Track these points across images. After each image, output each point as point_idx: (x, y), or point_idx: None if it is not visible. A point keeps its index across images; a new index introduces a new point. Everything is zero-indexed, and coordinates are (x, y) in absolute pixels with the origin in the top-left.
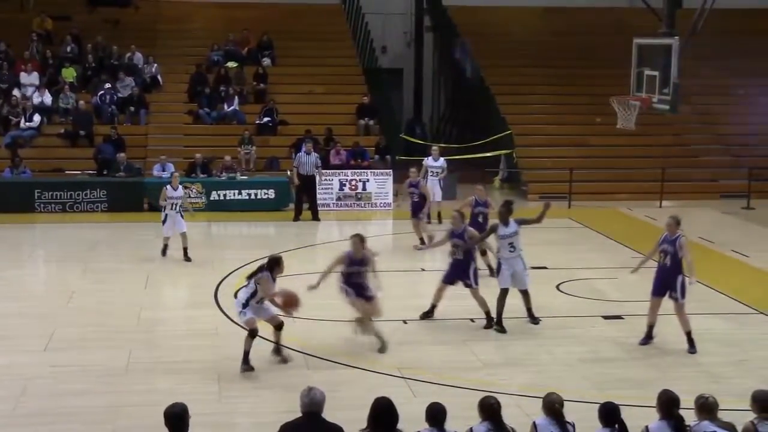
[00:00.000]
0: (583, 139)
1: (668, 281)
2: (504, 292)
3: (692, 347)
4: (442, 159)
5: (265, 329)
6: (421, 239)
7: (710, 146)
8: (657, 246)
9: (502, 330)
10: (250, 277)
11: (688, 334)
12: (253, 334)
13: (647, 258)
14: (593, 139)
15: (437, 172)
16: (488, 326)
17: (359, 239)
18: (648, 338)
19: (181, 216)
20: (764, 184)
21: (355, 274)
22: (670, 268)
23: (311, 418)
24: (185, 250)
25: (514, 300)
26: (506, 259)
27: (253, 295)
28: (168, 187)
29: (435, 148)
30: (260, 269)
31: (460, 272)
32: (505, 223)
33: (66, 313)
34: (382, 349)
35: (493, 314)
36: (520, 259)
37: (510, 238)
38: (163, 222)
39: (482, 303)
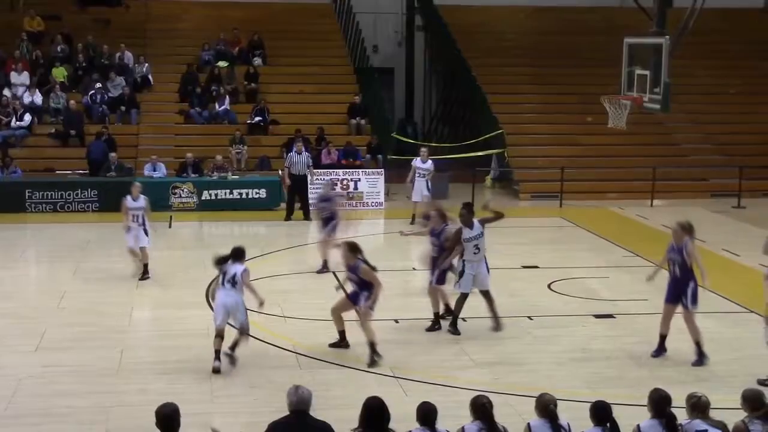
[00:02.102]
0: (574, 138)
1: (680, 289)
2: (464, 297)
3: (699, 359)
4: (430, 161)
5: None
6: (325, 262)
7: (701, 145)
8: (666, 254)
9: (455, 332)
10: (231, 279)
11: (697, 344)
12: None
13: (659, 267)
14: (584, 139)
15: (424, 174)
16: (431, 328)
17: (346, 248)
18: (660, 350)
19: (145, 232)
20: (755, 183)
21: (352, 282)
22: (681, 278)
23: (299, 416)
24: (145, 266)
25: (503, 299)
26: (471, 262)
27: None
28: (127, 197)
29: (424, 149)
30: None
31: (432, 269)
32: (469, 226)
33: (57, 313)
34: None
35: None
36: (484, 262)
37: (475, 240)
38: (127, 231)
39: (435, 303)
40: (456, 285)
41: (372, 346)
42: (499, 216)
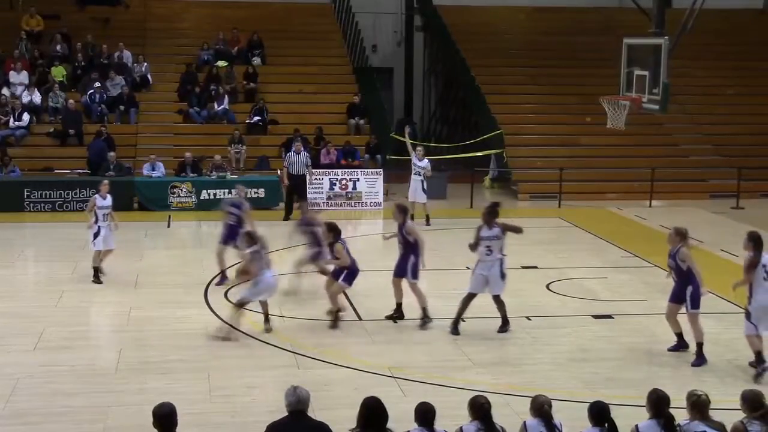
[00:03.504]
0: (573, 138)
1: (681, 293)
2: (470, 296)
3: (698, 360)
4: (426, 160)
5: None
6: (223, 272)
7: (700, 146)
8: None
9: (455, 332)
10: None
11: (699, 346)
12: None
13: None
14: (583, 139)
15: (420, 172)
16: (423, 325)
17: (325, 228)
18: (678, 346)
19: (110, 230)
20: (753, 183)
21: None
22: (679, 282)
23: (297, 417)
24: (97, 270)
25: (508, 299)
26: (483, 262)
27: None
28: (97, 196)
29: (420, 148)
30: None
31: (401, 265)
32: (488, 225)
33: (55, 313)
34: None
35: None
36: (497, 264)
37: (488, 241)
38: (96, 235)
39: (420, 298)
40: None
41: (337, 313)
42: (518, 230)
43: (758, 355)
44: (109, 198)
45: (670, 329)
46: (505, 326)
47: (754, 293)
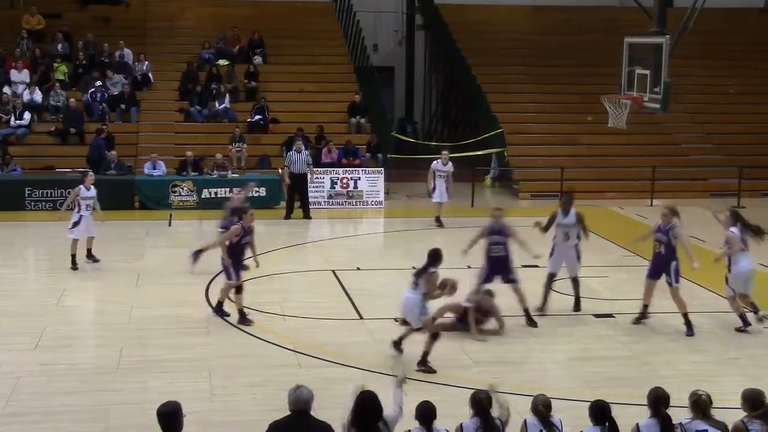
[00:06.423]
0: (574, 137)
1: (662, 267)
2: (550, 277)
3: (690, 330)
4: (450, 164)
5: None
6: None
7: (701, 145)
8: (653, 232)
9: (536, 316)
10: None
11: (685, 316)
12: (436, 336)
13: (646, 236)
14: (584, 138)
15: (444, 176)
16: (532, 323)
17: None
18: (642, 317)
19: (92, 219)
20: (754, 182)
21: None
22: (665, 255)
23: (299, 416)
24: (89, 251)
25: (503, 299)
26: (559, 246)
27: (425, 295)
28: (81, 186)
29: (446, 152)
30: (425, 267)
31: (500, 268)
32: (565, 213)
33: (56, 312)
34: None
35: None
36: (574, 249)
37: (566, 227)
38: (75, 224)
39: (522, 299)
40: None
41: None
42: (586, 231)
43: (742, 317)
44: (92, 189)
45: (667, 326)
46: (577, 306)
47: (734, 262)
